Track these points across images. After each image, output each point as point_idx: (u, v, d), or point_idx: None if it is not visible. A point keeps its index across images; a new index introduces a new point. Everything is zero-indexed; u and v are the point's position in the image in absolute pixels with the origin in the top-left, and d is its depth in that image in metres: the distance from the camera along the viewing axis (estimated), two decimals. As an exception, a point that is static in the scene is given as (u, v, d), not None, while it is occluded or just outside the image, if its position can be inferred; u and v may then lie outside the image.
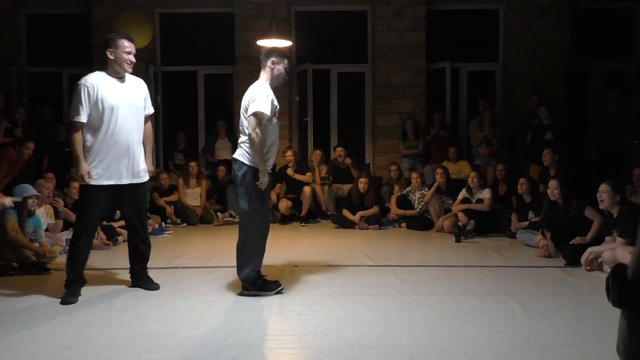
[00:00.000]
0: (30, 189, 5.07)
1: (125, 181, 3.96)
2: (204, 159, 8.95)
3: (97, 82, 3.87)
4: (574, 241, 5.12)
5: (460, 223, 6.65)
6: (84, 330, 3.26)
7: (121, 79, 4.00)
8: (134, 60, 4.01)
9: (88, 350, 2.94)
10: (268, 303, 3.81)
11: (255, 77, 9.54)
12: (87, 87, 3.82)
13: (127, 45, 3.96)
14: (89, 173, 3.82)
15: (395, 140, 8.89)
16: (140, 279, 4.24)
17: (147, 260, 4.30)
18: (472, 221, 6.58)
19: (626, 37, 9.16)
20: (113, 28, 7.85)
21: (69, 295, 3.87)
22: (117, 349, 2.94)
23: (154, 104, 9.01)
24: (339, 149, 8.60)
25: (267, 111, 3.90)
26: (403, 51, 8.97)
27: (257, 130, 3.86)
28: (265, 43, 8.11)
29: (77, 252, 3.97)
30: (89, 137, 3.86)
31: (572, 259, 4.98)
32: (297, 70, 9.25)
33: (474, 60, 9.44)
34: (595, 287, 4.28)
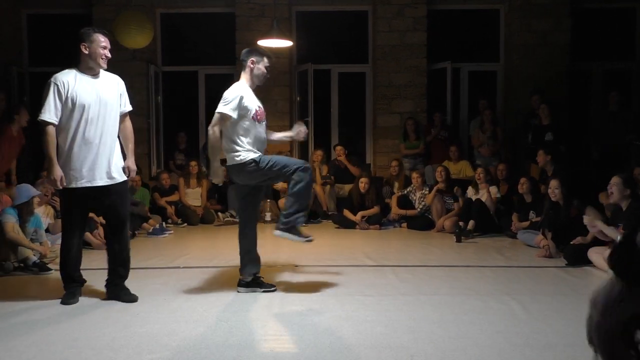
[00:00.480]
0: (32, 190, 5.07)
1: (99, 183, 3.77)
2: (204, 156, 8.95)
3: (67, 80, 3.69)
4: (574, 241, 5.11)
5: (461, 223, 6.65)
6: (85, 330, 3.26)
7: (95, 75, 3.79)
8: (109, 55, 3.81)
9: (89, 350, 2.94)
10: (268, 303, 3.80)
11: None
12: (57, 84, 3.66)
13: (102, 40, 3.75)
14: (61, 178, 3.65)
15: (396, 140, 8.88)
16: (117, 289, 3.94)
17: (127, 269, 4.01)
18: (472, 221, 6.57)
19: (627, 37, 9.15)
20: (114, 28, 7.86)
21: (69, 297, 3.83)
22: (118, 349, 2.94)
23: (155, 104, 9.15)
24: (338, 147, 8.61)
25: (231, 113, 3.93)
26: (404, 51, 8.97)
27: (215, 128, 3.99)
28: (266, 43, 8.13)
29: (68, 256, 3.86)
30: (60, 138, 3.69)
31: (573, 259, 4.97)
32: (298, 71, 9.25)
33: (475, 60, 9.43)
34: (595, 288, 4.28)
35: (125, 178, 3.95)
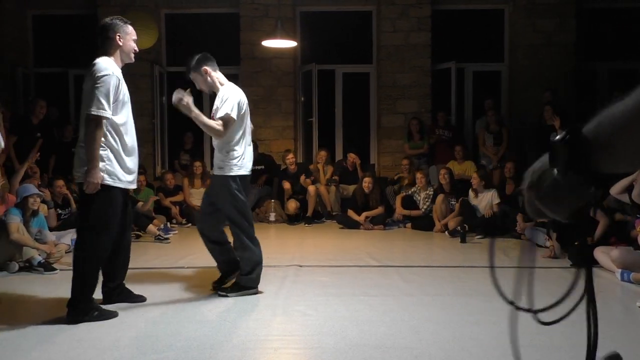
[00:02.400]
0: (31, 188, 5.09)
1: (132, 186, 3.66)
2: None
3: (119, 73, 3.47)
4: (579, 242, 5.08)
5: (465, 225, 6.62)
6: (89, 331, 3.26)
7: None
8: (137, 49, 3.66)
9: (93, 350, 2.95)
10: (272, 303, 3.81)
11: (259, 77, 9.55)
12: (119, 78, 3.43)
13: (134, 33, 3.59)
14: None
15: (401, 141, 8.88)
16: (125, 292, 3.83)
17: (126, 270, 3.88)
18: (465, 225, 6.55)
19: (633, 37, 9.11)
20: (119, 29, 7.88)
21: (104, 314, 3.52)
22: (122, 349, 2.94)
23: (159, 104, 9.17)
24: (352, 155, 8.54)
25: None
26: (408, 51, 8.96)
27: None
28: (270, 43, 8.14)
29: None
30: (113, 135, 3.45)
31: (578, 260, 4.94)
32: (302, 71, 9.26)
33: (480, 60, 9.42)
34: (601, 288, 4.26)
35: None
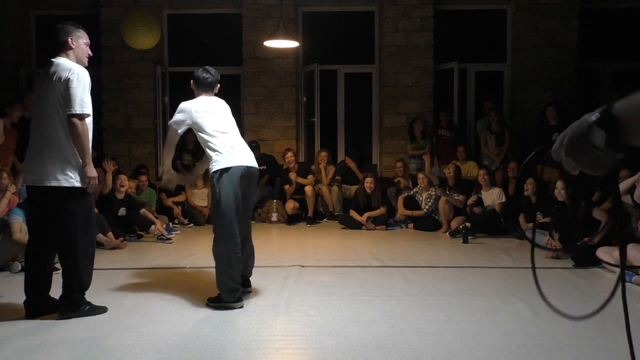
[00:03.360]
0: None
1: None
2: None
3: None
4: (582, 242, 5.09)
5: (467, 224, 6.63)
6: (92, 330, 3.27)
7: None
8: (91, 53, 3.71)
9: (96, 350, 2.95)
10: (275, 304, 3.81)
11: (262, 77, 9.55)
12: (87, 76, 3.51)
13: (86, 37, 3.66)
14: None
15: (403, 141, 8.87)
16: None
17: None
18: (467, 225, 6.54)
19: (636, 37, 9.09)
20: (121, 29, 7.90)
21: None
22: (125, 349, 2.95)
23: (162, 104, 9.18)
24: (347, 158, 8.60)
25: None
26: (410, 52, 8.96)
27: None
28: (272, 44, 8.14)
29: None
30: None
31: (581, 260, 4.95)
32: (304, 71, 9.26)
33: (482, 60, 9.41)
34: (603, 288, 4.25)
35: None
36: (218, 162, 3.75)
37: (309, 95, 9.25)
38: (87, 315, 3.50)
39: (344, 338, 3.10)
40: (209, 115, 3.87)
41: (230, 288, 3.67)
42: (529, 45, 8.88)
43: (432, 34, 8.94)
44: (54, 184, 3.39)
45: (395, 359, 2.80)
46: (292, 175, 8.15)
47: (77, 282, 3.52)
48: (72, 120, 3.37)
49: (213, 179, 3.75)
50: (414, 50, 8.96)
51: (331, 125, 9.53)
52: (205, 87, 4.01)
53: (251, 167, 3.87)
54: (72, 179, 3.41)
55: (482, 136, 8.40)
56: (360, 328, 3.27)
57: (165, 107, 9.28)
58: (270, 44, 8.14)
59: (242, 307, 3.69)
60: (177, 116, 3.92)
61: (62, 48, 3.57)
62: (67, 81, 3.38)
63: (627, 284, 4.32)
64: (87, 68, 3.60)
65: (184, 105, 3.94)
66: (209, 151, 3.83)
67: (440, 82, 9.05)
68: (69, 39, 3.56)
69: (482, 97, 9.02)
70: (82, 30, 3.66)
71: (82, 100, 3.39)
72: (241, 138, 4.02)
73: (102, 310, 3.60)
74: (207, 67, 4.04)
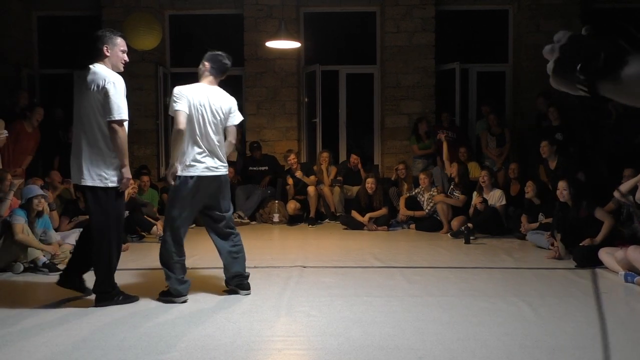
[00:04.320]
0: (36, 189, 5.11)
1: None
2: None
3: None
4: (584, 242, 5.08)
5: (469, 225, 6.62)
6: (94, 331, 3.28)
7: None
8: (127, 59, 3.92)
9: (98, 350, 2.96)
10: (276, 304, 3.81)
11: (263, 78, 9.54)
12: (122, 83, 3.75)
13: (123, 44, 3.87)
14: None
15: (405, 141, 8.87)
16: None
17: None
18: (469, 225, 6.54)
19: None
20: (123, 30, 7.89)
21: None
22: (127, 350, 2.95)
23: (164, 105, 9.18)
24: (354, 156, 8.55)
25: None
26: (412, 52, 8.96)
27: None
28: (274, 44, 8.14)
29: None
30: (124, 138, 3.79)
31: (583, 261, 4.94)
32: (305, 72, 9.26)
33: (484, 61, 9.40)
34: (605, 289, 4.25)
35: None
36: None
37: (310, 96, 9.25)
38: (121, 304, 3.77)
39: (346, 339, 3.10)
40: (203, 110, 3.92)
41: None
42: (531, 45, 8.87)
43: (434, 34, 8.93)
44: (89, 183, 3.69)
45: (397, 360, 2.80)
46: (298, 174, 8.14)
47: (107, 276, 3.80)
48: (112, 126, 3.63)
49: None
50: (415, 50, 8.95)
51: (333, 125, 9.53)
52: (220, 75, 4.10)
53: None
54: (107, 180, 3.70)
55: (483, 137, 8.40)
56: (362, 328, 3.26)
57: (166, 108, 9.28)
58: (272, 44, 8.15)
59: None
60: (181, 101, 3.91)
61: (99, 56, 3.78)
62: (105, 90, 3.61)
63: (629, 284, 4.31)
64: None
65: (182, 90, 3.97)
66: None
67: (442, 83, 9.05)
68: (105, 47, 3.77)
69: (483, 98, 9.01)
70: (119, 38, 3.85)
71: (119, 106, 3.64)
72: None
73: (134, 299, 3.87)
74: (224, 53, 4.10)
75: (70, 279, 3.98)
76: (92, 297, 3.85)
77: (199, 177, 3.83)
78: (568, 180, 5.53)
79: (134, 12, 8.41)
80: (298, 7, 9.14)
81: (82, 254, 3.93)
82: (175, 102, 3.88)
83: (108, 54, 3.76)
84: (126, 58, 3.88)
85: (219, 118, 3.96)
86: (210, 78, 4.05)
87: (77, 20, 9.36)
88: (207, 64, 4.06)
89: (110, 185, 3.71)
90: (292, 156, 8.24)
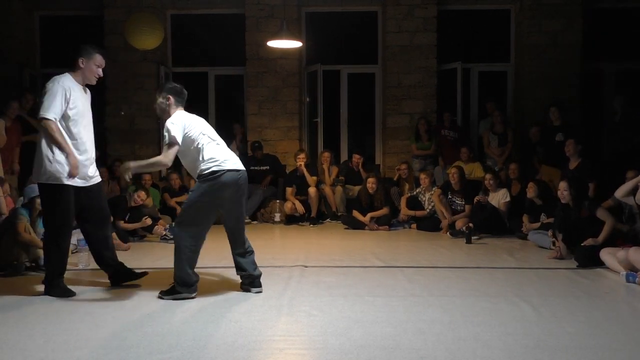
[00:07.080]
0: (37, 189, 5.11)
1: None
2: None
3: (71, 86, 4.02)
4: (586, 243, 5.08)
5: (470, 225, 6.62)
6: (96, 330, 3.28)
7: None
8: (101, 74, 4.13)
9: (100, 349, 2.96)
10: (277, 304, 3.81)
11: (265, 77, 9.56)
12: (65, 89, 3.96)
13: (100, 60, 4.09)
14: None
15: (406, 141, 8.87)
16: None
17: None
18: (470, 225, 6.53)
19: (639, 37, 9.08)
20: (125, 29, 7.91)
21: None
22: (128, 349, 2.95)
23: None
24: (356, 155, 8.56)
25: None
26: (414, 52, 8.96)
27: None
28: (275, 44, 8.15)
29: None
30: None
31: (584, 261, 4.94)
32: (307, 71, 9.27)
33: (485, 60, 9.40)
34: (607, 289, 4.24)
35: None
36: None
37: (312, 96, 9.26)
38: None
39: (347, 338, 3.10)
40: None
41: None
42: (533, 45, 8.86)
43: (436, 34, 8.93)
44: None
45: (398, 359, 2.80)
46: (302, 169, 8.12)
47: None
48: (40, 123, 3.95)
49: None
50: (417, 50, 8.95)
51: (334, 125, 9.54)
52: (184, 103, 4.15)
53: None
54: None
55: (485, 137, 8.39)
56: (363, 328, 3.26)
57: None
58: (274, 44, 8.15)
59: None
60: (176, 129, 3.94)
61: (73, 66, 4.05)
62: (44, 88, 3.97)
63: (631, 284, 4.31)
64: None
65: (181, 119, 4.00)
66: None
67: (443, 83, 9.04)
68: (80, 60, 4.01)
69: (485, 98, 9.01)
70: (98, 55, 4.07)
71: (49, 106, 3.91)
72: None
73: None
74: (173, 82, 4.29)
75: (120, 275, 4.28)
76: (92, 295, 3.85)
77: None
78: (569, 181, 5.49)
79: (135, 12, 8.42)
80: (299, 6, 9.15)
81: (98, 252, 4.28)
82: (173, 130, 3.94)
83: (82, 66, 3.99)
84: (100, 73, 4.07)
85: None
86: (181, 108, 4.09)
87: (79, 20, 9.38)
88: (170, 97, 4.05)
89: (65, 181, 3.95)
90: (302, 155, 8.22)
